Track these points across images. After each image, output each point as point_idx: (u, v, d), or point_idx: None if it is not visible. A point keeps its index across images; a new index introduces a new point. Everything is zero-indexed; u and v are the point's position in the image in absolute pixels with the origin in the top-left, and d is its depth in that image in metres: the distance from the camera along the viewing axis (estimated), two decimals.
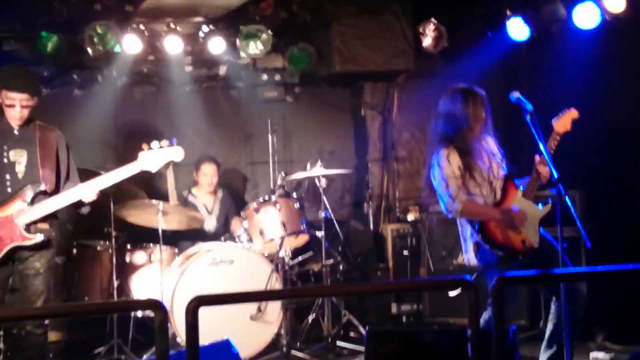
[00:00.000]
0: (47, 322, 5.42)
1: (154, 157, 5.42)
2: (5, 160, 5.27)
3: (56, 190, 5.38)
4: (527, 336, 6.87)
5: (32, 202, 5.22)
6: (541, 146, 5.04)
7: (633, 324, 7.11)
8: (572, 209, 4.80)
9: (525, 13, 7.70)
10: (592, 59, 7.53)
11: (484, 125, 5.31)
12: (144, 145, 5.42)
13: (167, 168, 5.55)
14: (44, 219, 5.28)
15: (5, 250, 5.18)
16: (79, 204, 5.36)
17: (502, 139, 5.51)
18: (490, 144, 5.40)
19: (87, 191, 5.30)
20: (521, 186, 5.31)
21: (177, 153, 5.51)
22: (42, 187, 5.26)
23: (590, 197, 7.46)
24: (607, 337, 6.82)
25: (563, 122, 5.24)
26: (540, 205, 5.28)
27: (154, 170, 5.46)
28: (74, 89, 8.07)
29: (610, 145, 7.52)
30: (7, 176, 5.26)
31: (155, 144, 5.43)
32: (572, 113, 5.28)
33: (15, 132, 5.35)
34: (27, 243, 5.21)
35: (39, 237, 5.23)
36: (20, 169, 5.30)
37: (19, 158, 5.31)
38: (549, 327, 5.30)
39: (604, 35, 7.35)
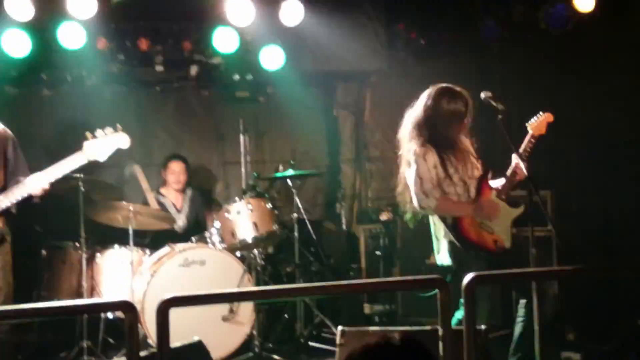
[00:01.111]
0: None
1: (100, 145, 5.34)
2: None
3: (5, 188, 5.31)
4: (499, 335, 6.89)
5: None
6: (512, 147, 5.06)
7: (604, 322, 7.17)
8: (543, 209, 4.82)
9: (498, 14, 7.75)
10: (563, 59, 7.59)
11: (463, 124, 5.30)
12: (88, 135, 5.33)
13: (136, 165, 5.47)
14: None
15: None
16: (29, 199, 5.28)
17: (475, 138, 5.52)
18: (466, 142, 5.40)
19: (35, 185, 5.23)
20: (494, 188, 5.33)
21: (122, 140, 5.44)
22: None
23: (561, 197, 7.51)
24: (578, 336, 6.86)
25: (538, 126, 5.29)
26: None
27: (101, 159, 5.39)
28: (42, 89, 7.99)
29: (581, 145, 7.58)
30: None
31: (99, 132, 5.35)
32: (547, 116, 5.32)
33: None
34: None
35: None
36: None
37: None
38: (518, 328, 5.32)
39: (574, 35, 7.40)
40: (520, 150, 5.21)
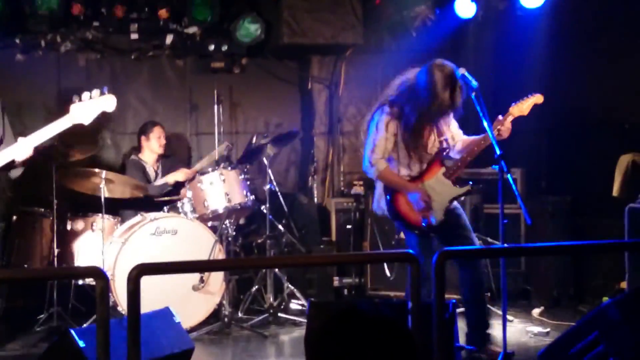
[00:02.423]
0: None
1: (86, 108, 5.23)
2: None
3: None
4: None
5: None
6: (485, 123, 5.09)
7: (570, 299, 7.29)
8: (513, 186, 4.87)
9: None
10: (537, 38, 7.63)
11: (444, 102, 5.30)
12: (75, 98, 5.24)
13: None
14: None
15: None
16: (11, 165, 5.20)
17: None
18: (445, 120, 5.48)
19: (20, 149, 5.15)
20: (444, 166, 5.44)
21: (109, 102, 5.32)
22: None
23: (531, 174, 7.59)
24: (544, 312, 6.97)
25: (520, 107, 5.32)
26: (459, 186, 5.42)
27: (87, 122, 5.22)
28: (16, 54, 7.90)
29: (552, 123, 7.64)
30: None
31: (85, 94, 5.24)
32: (537, 98, 5.34)
33: None
34: None
35: None
36: None
37: None
38: (464, 294, 5.51)
39: (549, 14, 7.45)
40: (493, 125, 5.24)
